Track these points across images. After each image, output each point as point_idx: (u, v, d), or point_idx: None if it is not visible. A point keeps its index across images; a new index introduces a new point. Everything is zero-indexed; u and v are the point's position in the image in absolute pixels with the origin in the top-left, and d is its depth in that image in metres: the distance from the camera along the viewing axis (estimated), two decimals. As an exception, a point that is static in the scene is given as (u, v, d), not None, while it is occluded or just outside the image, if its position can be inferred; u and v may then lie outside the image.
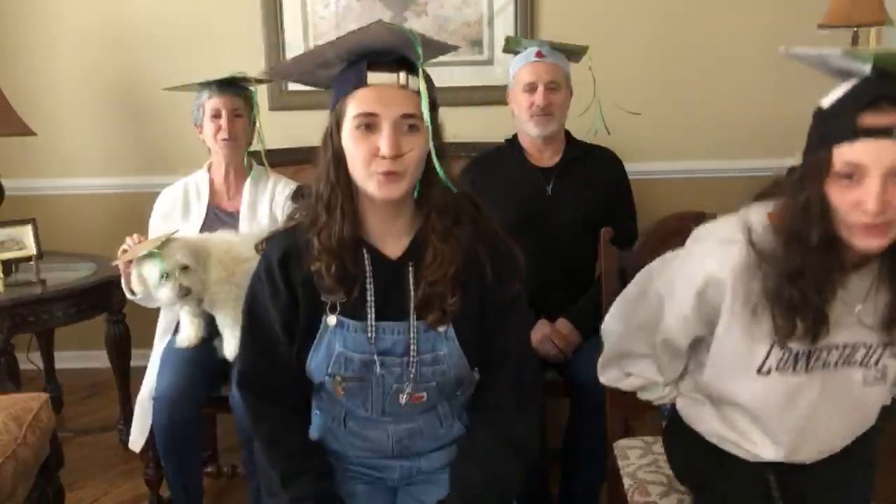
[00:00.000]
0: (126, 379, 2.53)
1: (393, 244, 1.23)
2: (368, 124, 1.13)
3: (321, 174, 1.20)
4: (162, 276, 1.80)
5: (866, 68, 1.00)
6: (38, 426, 1.73)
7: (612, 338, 1.46)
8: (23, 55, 3.05)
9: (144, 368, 2.08)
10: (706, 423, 1.31)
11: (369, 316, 1.21)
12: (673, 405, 1.44)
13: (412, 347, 1.21)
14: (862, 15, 2.57)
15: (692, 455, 1.38)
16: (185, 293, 1.82)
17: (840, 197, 1.01)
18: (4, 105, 2.65)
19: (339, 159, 1.17)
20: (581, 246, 2.08)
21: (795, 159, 1.10)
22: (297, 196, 1.31)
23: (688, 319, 1.23)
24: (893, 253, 1.07)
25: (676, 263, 1.28)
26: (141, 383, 2.05)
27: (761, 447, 1.24)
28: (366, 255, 1.21)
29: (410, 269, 1.21)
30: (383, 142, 1.11)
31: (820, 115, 1.06)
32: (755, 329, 1.15)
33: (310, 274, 1.19)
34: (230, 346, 1.89)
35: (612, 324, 1.47)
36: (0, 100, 2.65)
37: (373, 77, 1.14)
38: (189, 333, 1.97)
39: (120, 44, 3.04)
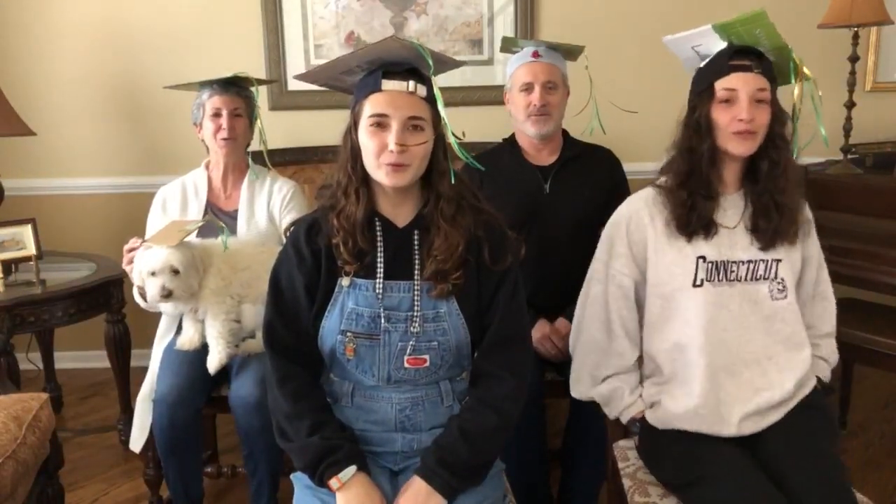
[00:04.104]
0: (126, 379, 2.53)
1: (401, 217, 1.41)
2: (380, 123, 1.31)
3: (341, 165, 1.39)
4: (151, 272, 1.83)
5: (723, 43, 1.46)
6: (38, 426, 1.72)
7: (579, 347, 1.65)
8: (23, 55, 3.05)
9: (144, 368, 2.08)
10: (670, 413, 1.49)
11: (378, 275, 1.36)
12: (641, 421, 1.56)
13: (416, 304, 1.35)
14: (862, 15, 2.57)
15: (669, 457, 1.49)
16: (166, 294, 1.83)
17: (721, 115, 1.43)
18: (4, 105, 2.65)
19: (356, 153, 1.36)
20: (579, 244, 2.07)
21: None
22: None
23: (624, 256, 1.54)
24: (761, 181, 1.47)
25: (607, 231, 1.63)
26: (141, 383, 2.05)
27: (698, 393, 1.45)
28: (378, 223, 1.39)
29: (416, 235, 1.39)
30: (392, 137, 1.29)
31: (699, 70, 1.51)
32: (680, 247, 1.49)
33: (330, 244, 1.37)
34: (213, 358, 1.90)
35: (575, 336, 1.66)
36: (0, 100, 2.65)
37: (387, 84, 1.32)
38: (191, 336, 1.96)
39: (120, 44, 3.05)
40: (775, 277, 1.49)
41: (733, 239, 1.50)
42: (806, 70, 1.45)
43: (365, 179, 1.37)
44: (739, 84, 1.41)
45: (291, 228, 1.45)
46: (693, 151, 1.47)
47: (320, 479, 1.31)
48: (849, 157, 2.77)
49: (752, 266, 1.49)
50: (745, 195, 1.51)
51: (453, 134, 1.36)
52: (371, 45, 1.33)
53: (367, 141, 1.32)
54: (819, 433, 1.43)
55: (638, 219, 1.53)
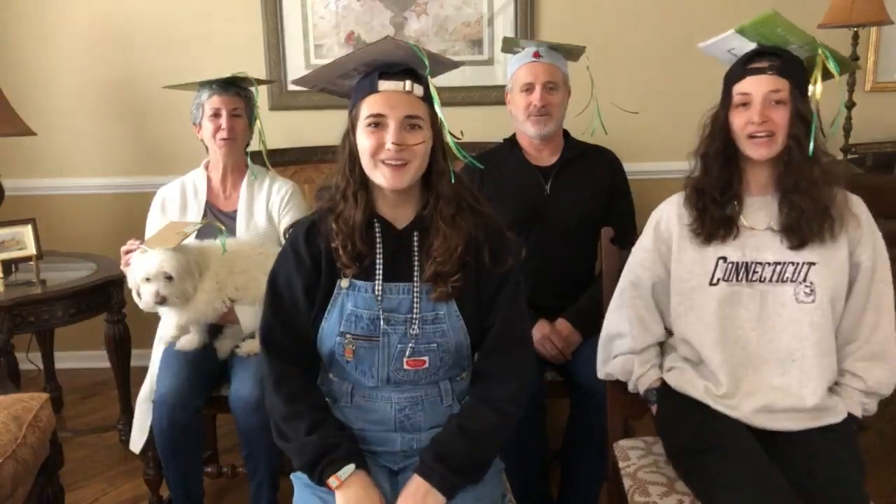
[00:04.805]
0: (126, 379, 2.53)
1: (401, 218, 1.40)
2: (378, 123, 1.31)
3: (339, 168, 1.39)
4: (146, 278, 1.83)
5: (753, 44, 1.47)
6: (38, 426, 1.73)
7: (602, 331, 1.69)
8: (23, 55, 3.05)
9: (144, 368, 2.08)
10: (691, 383, 1.53)
11: (377, 277, 1.36)
12: (657, 390, 1.59)
13: (415, 306, 1.35)
14: (862, 15, 2.57)
15: (684, 423, 1.50)
16: (160, 300, 1.84)
17: (738, 119, 1.45)
18: (4, 105, 2.65)
19: (354, 156, 1.36)
20: (580, 245, 2.08)
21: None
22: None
23: (648, 251, 1.59)
24: (784, 182, 1.46)
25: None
26: (141, 383, 2.05)
27: (724, 384, 1.48)
28: (377, 225, 1.38)
29: (415, 237, 1.38)
30: (389, 136, 1.29)
31: (726, 75, 1.51)
32: (702, 248, 1.51)
33: (329, 246, 1.37)
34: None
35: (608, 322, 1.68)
36: (0, 100, 2.65)
37: (383, 84, 1.32)
38: (191, 337, 1.96)
39: (120, 44, 3.04)
40: (804, 280, 1.46)
41: (761, 241, 1.49)
42: (830, 66, 1.42)
43: (363, 182, 1.37)
44: (753, 87, 1.43)
45: (290, 230, 1.45)
46: (705, 156, 1.51)
47: (319, 477, 1.31)
48: (849, 157, 2.77)
49: (778, 268, 1.47)
50: (777, 196, 1.49)
51: (451, 133, 1.36)
52: (366, 47, 1.33)
53: (364, 140, 1.32)
54: (840, 456, 1.39)
55: (668, 218, 1.59)
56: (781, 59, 1.43)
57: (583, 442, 1.99)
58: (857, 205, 1.50)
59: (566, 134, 2.19)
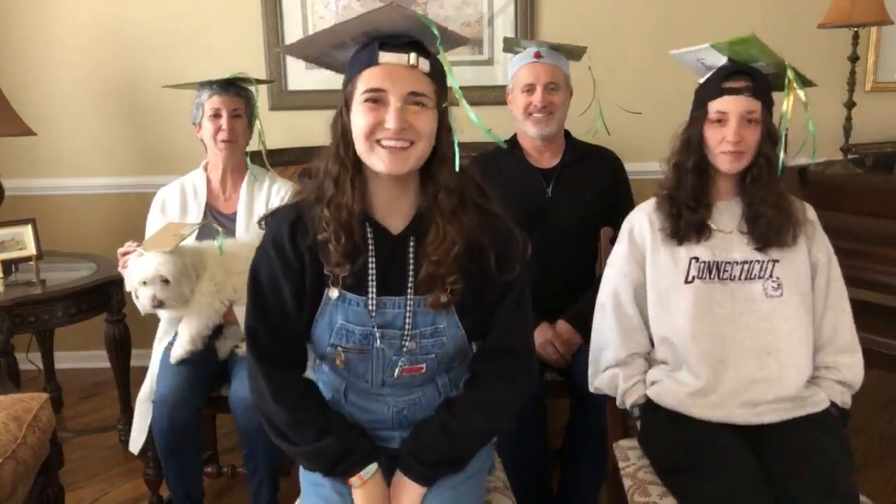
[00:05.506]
0: (126, 379, 2.53)
1: (397, 220, 1.26)
2: (376, 99, 1.16)
3: (331, 151, 1.23)
4: (143, 282, 1.83)
5: (724, 58, 1.51)
6: (38, 426, 1.72)
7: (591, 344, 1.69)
8: (23, 55, 3.05)
9: (144, 369, 2.08)
10: (671, 392, 1.54)
11: (370, 290, 1.25)
12: (641, 406, 1.59)
13: (408, 321, 1.26)
14: (862, 15, 2.57)
15: (668, 440, 1.52)
16: (157, 304, 1.84)
17: (712, 135, 1.51)
18: (4, 105, 2.65)
19: (348, 138, 1.21)
20: (581, 247, 2.07)
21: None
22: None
23: (625, 258, 1.62)
24: (747, 192, 1.54)
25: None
26: (141, 384, 2.05)
27: (704, 379, 1.51)
28: (369, 230, 1.24)
29: (412, 243, 1.25)
30: (389, 116, 1.15)
31: (699, 87, 1.57)
32: (675, 250, 1.56)
33: (316, 244, 1.22)
34: (177, 352, 1.91)
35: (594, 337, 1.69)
36: (0, 100, 2.65)
37: (384, 56, 1.17)
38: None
39: (120, 44, 3.04)
40: (770, 276, 1.53)
41: (729, 242, 1.56)
42: (800, 93, 1.50)
43: (358, 169, 1.21)
44: (730, 107, 1.49)
45: (269, 219, 1.29)
46: (679, 167, 1.57)
47: (341, 475, 1.29)
48: (849, 157, 2.77)
49: (746, 266, 1.54)
50: (741, 202, 1.57)
51: (455, 131, 1.23)
52: (366, 14, 1.15)
53: (359, 119, 1.16)
54: (829, 447, 1.41)
55: (640, 225, 1.63)
56: (755, 81, 1.49)
57: (583, 442, 1.98)
58: (810, 210, 1.59)
59: (567, 135, 2.19)
